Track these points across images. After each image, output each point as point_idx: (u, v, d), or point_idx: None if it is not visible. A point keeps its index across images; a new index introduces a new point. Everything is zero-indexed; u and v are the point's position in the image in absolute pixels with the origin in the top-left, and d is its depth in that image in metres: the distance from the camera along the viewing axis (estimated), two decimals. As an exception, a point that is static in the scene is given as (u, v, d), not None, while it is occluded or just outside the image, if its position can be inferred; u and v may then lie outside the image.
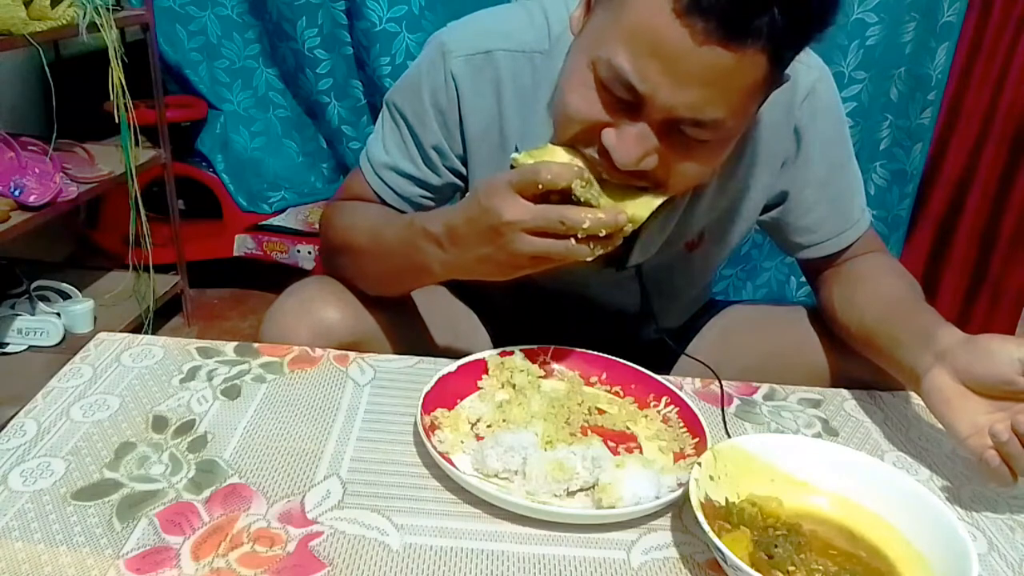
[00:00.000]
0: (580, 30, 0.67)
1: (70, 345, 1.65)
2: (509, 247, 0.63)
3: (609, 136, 0.63)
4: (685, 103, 0.59)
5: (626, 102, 0.62)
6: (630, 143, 0.62)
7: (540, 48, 0.78)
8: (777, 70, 0.61)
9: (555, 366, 0.78)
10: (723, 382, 0.77)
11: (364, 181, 0.85)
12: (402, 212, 0.86)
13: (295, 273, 2.09)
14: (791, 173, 0.84)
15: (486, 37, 0.79)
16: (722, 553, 0.50)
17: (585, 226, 0.61)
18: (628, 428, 0.71)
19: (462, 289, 0.99)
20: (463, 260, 0.68)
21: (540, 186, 0.61)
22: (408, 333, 0.86)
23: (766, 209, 0.87)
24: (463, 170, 0.84)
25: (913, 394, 0.81)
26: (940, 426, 0.75)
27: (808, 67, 0.80)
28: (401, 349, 0.84)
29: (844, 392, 0.81)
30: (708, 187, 0.81)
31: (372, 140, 0.86)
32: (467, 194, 0.68)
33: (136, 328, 1.81)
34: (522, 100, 0.79)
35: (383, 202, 0.85)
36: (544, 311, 0.91)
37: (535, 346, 0.78)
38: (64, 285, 1.81)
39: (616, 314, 0.92)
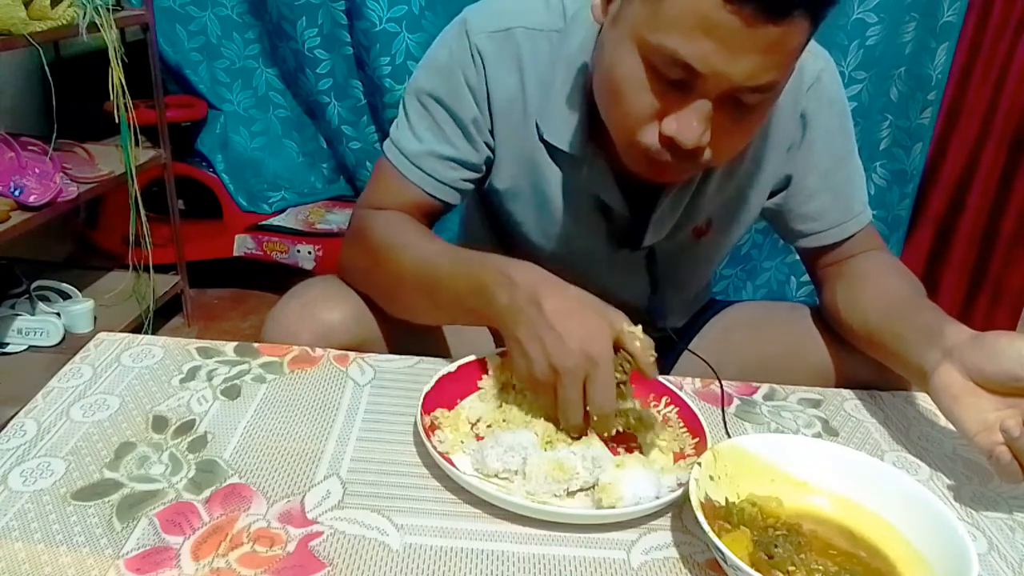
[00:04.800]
0: (610, 17, 0.68)
1: (70, 345, 1.65)
2: (552, 359, 0.62)
3: (670, 124, 0.65)
4: (744, 73, 0.61)
5: (680, 83, 0.63)
6: (692, 123, 0.64)
7: (556, 27, 0.80)
8: (816, 27, 0.63)
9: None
10: (723, 382, 0.77)
11: (398, 177, 0.84)
12: (444, 203, 0.85)
13: (295, 273, 2.09)
14: (796, 158, 0.85)
15: (505, 16, 0.81)
16: (722, 553, 0.50)
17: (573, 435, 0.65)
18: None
19: None
20: (519, 319, 0.65)
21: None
22: (409, 336, 0.86)
23: (771, 195, 0.88)
24: (493, 144, 0.85)
25: (913, 394, 0.81)
26: (940, 426, 0.75)
27: (815, 57, 0.82)
28: (402, 351, 0.84)
29: (844, 392, 0.81)
30: (717, 169, 0.82)
31: (399, 135, 0.85)
32: (576, 293, 0.66)
33: (136, 328, 1.81)
34: (541, 77, 0.81)
35: (424, 192, 0.83)
36: None
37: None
38: (64, 285, 1.81)
39: (621, 309, 0.93)
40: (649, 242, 0.85)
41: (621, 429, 0.67)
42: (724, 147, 0.68)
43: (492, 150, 0.85)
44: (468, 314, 0.73)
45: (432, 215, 0.87)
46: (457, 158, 0.83)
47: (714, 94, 0.63)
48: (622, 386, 0.67)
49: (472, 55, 0.80)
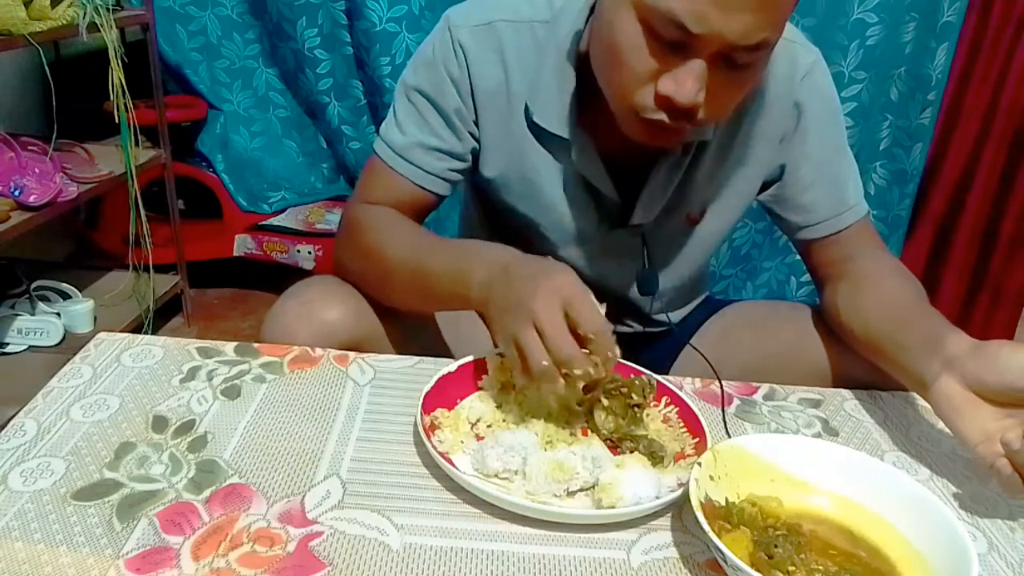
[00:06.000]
0: None
1: (70, 345, 1.65)
2: (518, 320, 0.63)
3: (666, 83, 0.66)
4: (738, 32, 0.62)
5: (676, 44, 0.65)
6: (688, 82, 0.65)
7: (541, 18, 0.82)
8: None
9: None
10: (723, 382, 0.77)
11: (387, 172, 0.85)
12: (433, 194, 0.87)
13: (295, 273, 2.09)
14: (789, 148, 0.87)
15: (488, 10, 0.83)
16: (722, 553, 0.50)
17: (577, 373, 0.62)
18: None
19: None
20: (498, 293, 0.67)
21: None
22: (409, 334, 0.86)
23: (766, 187, 0.90)
24: (478, 134, 0.86)
25: (913, 394, 0.81)
26: (940, 426, 0.75)
27: (807, 50, 0.84)
28: (402, 350, 0.84)
29: (844, 392, 0.81)
30: (708, 152, 0.83)
31: (387, 131, 0.87)
32: (543, 259, 0.69)
33: (136, 328, 1.81)
34: (526, 68, 0.82)
35: (412, 184, 0.85)
36: None
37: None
38: (64, 285, 1.81)
39: (618, 300, 0.93)
40: (638, 220, 0.86)
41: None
42: (717, 105, 0.69)
43: (477, 140, 0.87)
44: (454, 300, 0.75)
45: (422, 207, 0.88)
46: (443, 148, 0.85)
47: (708, 53, 0.64)
48: (636, 409, 0.68)
49: (454, 49, 0.82)
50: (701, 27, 0.62)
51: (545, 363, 0.61)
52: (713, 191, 0.88)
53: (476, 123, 0.85)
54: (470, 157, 0.87)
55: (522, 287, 0.64)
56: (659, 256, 0.91)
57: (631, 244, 0.89)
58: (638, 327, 1.00)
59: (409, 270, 0.78)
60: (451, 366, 0.72)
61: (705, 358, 0.79)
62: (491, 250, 0.72)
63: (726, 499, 0.58)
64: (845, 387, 0.83)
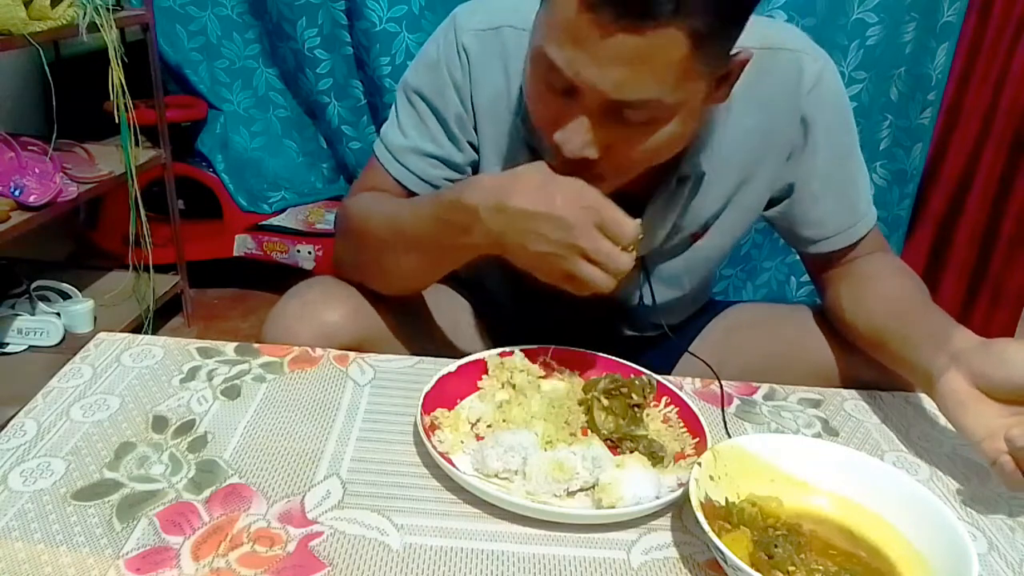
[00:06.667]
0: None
1: (70, 345, 1.65)
2: (564, 249, 0.63)
3: (558, 134, 0.65)
4: (611, 87, 0.61)
5: (565, 92, 0.64)
6: (574, 136, 0.64)
7: None
8: (706, 43, 0.60)
9: (555, 366, 0.78)
10: (723, 382, 0.77)
11: (382, 171, 0.84)
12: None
13: (295, 273, 2.09)
14: (798, 165, 0.83)
15: (494, 14, 0.81)
16: (722, 553, 0.50)
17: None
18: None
19: (462, 284, 0.99)
20: (514, 217, 0.65)
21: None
22: (410, 335, 0.86)
23: (773, 203, 0.87)
24: (477, 142, 0.85)
25: (913, 394, 0.81)
26: (940, 426, 0.76)
27: (814, 58, 0.80)
28: (403, 351, 0.84)
29: (844, 392, 0.81)
30: (706, 179, 0.81)
31: (387, 130, 0.86)
32: (519, 176, 0.66)
33: (136, 328, 1.81)
34: None
35: (405, 189, 0.84)
36: (544, 306, 0.91)
37: (535, 346, 0.78)
38: (64, 285, 1.81)
39: (617, 308, 0.92)
40: (639, 253, 0.84)
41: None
42: (619, 161, 0.67)
43: (476, 149, 0.85)
44: (453, 252, 0.73)
45: None
46: (440, 156, 0.84)
47: (595, 106, 0.63)
48: (636, 409, 0.68)
49: (458, 52, 0.81)
50: (576, 78, 0.61)
51: (611, 282, 0.64)
52: (716, 211, 0.85)
53: (475, 129, 0.84)
54: (469, 169, 0.86)
55: (545, 224, 0.63)
56: (661, 272, 0.89)
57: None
58: (638, 333, 0.99)
59: (395, 237, 0.76)
60: (451, 366, 0.72)
61: (708, 365, 0.79)
62: (467, 195, 0.67)
63: (726, 499, 0.58)
64: (846, 387, 0.83)
